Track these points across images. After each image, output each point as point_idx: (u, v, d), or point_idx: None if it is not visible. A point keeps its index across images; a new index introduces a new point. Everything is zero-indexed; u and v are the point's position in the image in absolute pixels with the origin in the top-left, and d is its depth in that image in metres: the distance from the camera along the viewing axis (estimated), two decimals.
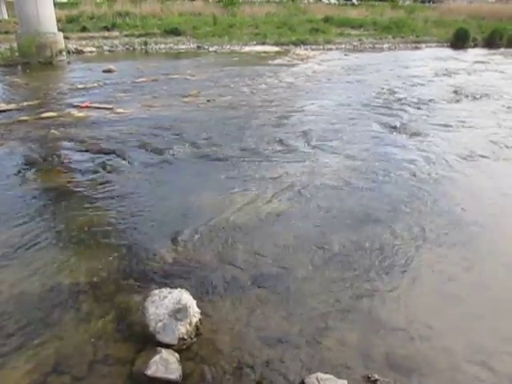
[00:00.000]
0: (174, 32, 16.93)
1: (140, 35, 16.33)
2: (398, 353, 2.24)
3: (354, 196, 4.00)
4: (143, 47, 15.05)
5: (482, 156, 5.10)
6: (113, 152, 4.91)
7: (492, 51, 16.66)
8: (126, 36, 16.36)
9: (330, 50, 16.11)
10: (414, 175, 4.48)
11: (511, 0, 28.56)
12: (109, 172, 4.41)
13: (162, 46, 15.39)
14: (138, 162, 4.67)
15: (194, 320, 2.28)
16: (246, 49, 15.50)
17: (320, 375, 1.98)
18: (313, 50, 15.73)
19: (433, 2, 30.47)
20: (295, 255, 3.06)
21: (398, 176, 4.45)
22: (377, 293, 2.68)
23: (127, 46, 14.96)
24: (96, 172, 4.40)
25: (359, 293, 2.68)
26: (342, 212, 3.70)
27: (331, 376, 1.99)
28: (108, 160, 4.69)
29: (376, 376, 2.04)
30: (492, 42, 18.18)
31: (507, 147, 5.43)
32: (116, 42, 15.25)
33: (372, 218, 3.59)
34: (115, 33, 16.81)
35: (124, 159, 4.72)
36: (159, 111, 6.76)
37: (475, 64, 12.94)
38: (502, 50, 17.24)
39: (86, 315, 2.42)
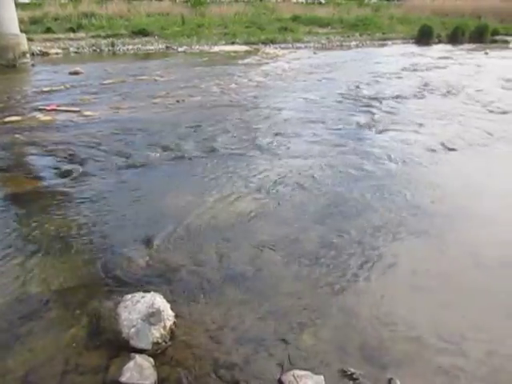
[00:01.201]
0: (142, 32, 16.68)
1: (107, 36, 16.02)
2: (372, 345, 2.27)
3: (325, 192, 4.04)
4: (110, 48, 14.77)
5: (449, 149, 5.23)
6: (81, 156, 4.80)
7: (455, 47, 17.13)
8: (92, 37, 16.01)
9: (299, 48, 16.22)
10: (383, 169, 4.57)
11: None
12: (77, 176, 4.30)
13: (130, 46, 15.15)
14: (106, 165, 4.58)
15: (169, 323, 2.25)
16: (216, 49, 15.43)
17: (296, 372, 1.99)
18: (282, 48, 15.81)
19: (397, 0, 31.06)
20: (269, 253, 3.06)
21: (367, 171, 4.52)
22: (349, 287, 2.71)
23: (94, 48, 14.66)
24: (63, 177, 4.29)
25: (332, 288, 2.70)
26: (313, 209, 3.73)
27: (307, 372, 2.00)
28: (76, 164, 4.58)
29: (352, 369, 2.06)
30: (455, 37, 18.70)
31: (472, 139, 5.58)
32: (82, 43, 14.92)
33: (343, 214, 3.64)
34: (81, 34, 16.44)
35: (92, 163, 4.62)
36: (128, 113, 6.66)
37: (440, 60, 13.27)
38: (465, 45, 17.75)
39: (55, 324, 2.35)
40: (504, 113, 7.03)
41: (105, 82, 9.02)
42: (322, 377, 1.96)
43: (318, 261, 2.98)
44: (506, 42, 19.25)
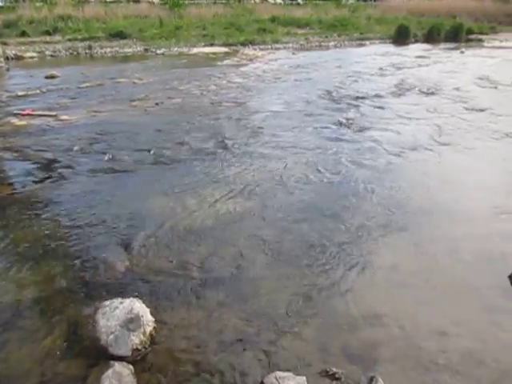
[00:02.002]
0: (120, 35, 16.48)
1: (84, 39, 15.78)
2: (354, 344, 2.27)
3: (305, 192, 4.04)
4: (88, 51, 14.57)
5: (426, 146, 5.30)
6: (57, 161, 4.71)
7: (431, 46, 17.41)
8: (69, 40, 15.75)
9: (278, 49, 16.26)
10: (362, 168, 4.60)
11: None
12: (53, 181, 4.22)
13: (108, 49, 14.96)
14: (84, 169, 4.50)
15: (148, 329, 2.21)
16: (195, 50, 15.35)
17: (278, 374, 1.98)
18: (261, 49, 15.82)
19: (374, 0, 31.42)
20: (250, 255, 3.04)
21: (346, 169, 4.55)
22: (331, 286, 2.71)
23: (71, 51, 14.43)
24: (40, 182, 4.20)
25: (313, 288, 2.70)
26: (294, 209, 3.72)
27: (290, 373, 1.98)
28: (52, 169, 4.50)
29: (334, 369, 2.05)
30: (431, 37, 19.00)
31: (450, 137, 5.67)
32: (58, 46, 14.67)
33: (323, 213, 3.65)
34: (57, 37, 16.15)
35: (69, 167, 4.54)
36: (106, 116, 6.56)
37: (417, 59, 13.45)
38: (441, 44, 18.06)
39: (32, 333, 2.29)
40: (481, 110, 7.15)
41: (82, 86, 8.88)
42: (304, 377, 1.96)
43: (299, 261, 2.97)
44: (481, 40, 19.64)
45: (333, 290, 2.69)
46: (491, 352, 2.25)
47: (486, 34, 21.42)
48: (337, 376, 2.01)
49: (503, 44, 18.35)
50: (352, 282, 2.76)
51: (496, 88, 9.08)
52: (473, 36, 20.37)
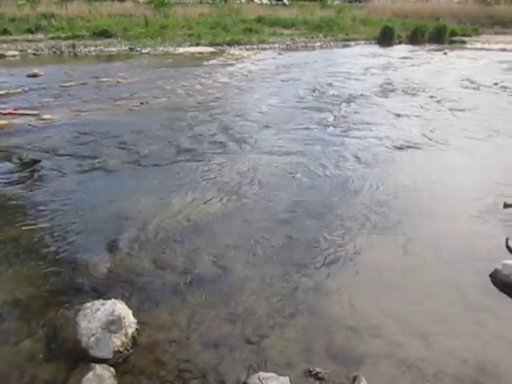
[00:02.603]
0: (104, 34, 16.32)
1: (67, 38, 15.58)
2: (339, 344, 2.27)
3: (291, 192, 4.05)
4: (71, 50, 14.38)
5: (411, 146, 5.35)
6: (39, 161, 4.64)
7: (415, 47, 17.59)
8: (51, 39, 15.54)
9: (264, 49, 16.26)
10: (347, 168, 4.62)
11: None
12: (34, 182, 4.15)
13: (92, 48, 14.79)
14: (66, 169, 4.43)
15: (130, 331, 2.18)
16: (181, 50, 15.27)
17: (262, 374, 1.97)
18: (247, 49, 15.81)
19: (359, 2, 31.67)
20: (234, 255, 3.03)
21: (331, 169, 4.56)
22: (315, 286, 2.72)
23: (54, 49, 14.23)
24: (20, 182, 4.13)
25: (298, 287, 2.70)
26: (278, 208, 3.72)
27: (273, 374, 1.97)
28: (34, 169, 4.43)
29: (317, 369, 2.05)
30: (415, 38, 19.22)
31: (433, 137, 5.73)
32: (41, 45, 14.46)
33: (308, 212, 3.65)
34: (40, 35, 15.93)
35: (51, 168, 4.47)
36: (89, 116, 6.48)
37: (401, 60, 13.59)
38: (425, 45, 18.27)
39: (11, 336, 2.24)
40: (463, 110, 7.24)
41: (65, 85, 8.76)
42: (287, 378, 1.95)
43: (284, 261, 2.97)
44: (464, 42, 19.92)
45: (317, 289, 2.69)
46: (473, 350, 2.28)
47: (469, 35, 21.74)
48: (320, 376, 2.01)
49: (485, 46, 18.63)
50: (336, 282, 2.77)
51: (478, 89, 9.21)
52: (456, 38, 20.66)
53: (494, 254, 3.09)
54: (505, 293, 2.73)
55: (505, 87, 9.31)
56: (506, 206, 3.84)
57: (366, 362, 2.16)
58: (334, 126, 6.15)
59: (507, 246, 3.21)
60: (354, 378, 2.01)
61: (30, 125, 5.95)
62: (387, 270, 2.93)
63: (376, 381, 2.04)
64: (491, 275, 2.87)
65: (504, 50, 16.98)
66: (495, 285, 2.81)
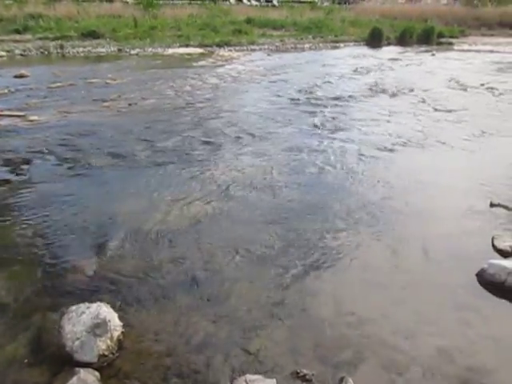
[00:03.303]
0: (93, 35, 16.18)
1: (55, 38, 15.43)
2: (326, 345, 2.27)
3: (279, 193, 4.04)
4: (59, 51, 14.24)
5: (399, 147, 5.38)
6: (25, 162, 4.58)
7: (404, 48, 17.72)
8: (39, 39, 15.37)
9: (254, 50, 16.26)
10: (335, 169, 4.63)
11: (419, 1, 30.65)
12: (20, 184, 4.10)
13: (80, 49, 14.66)
14: (53, 171, 4.39)
15: (116, 334, 2.16)
16: (170, 51, 15.20)
17: (248, 376, 1.96)
18: (237, 51, 15.79)
19: (348, 3, 31.83)
20: (222, 257, 3.01)
21: (320, 170, 4.57)
22: (303, 287, 2.71)
23: (41, 50, 14.08)
24: (5, 184, 4.07)
25: (286, 289, 2.69)
26: (267, 209, 3.72)
27: (260, 376, 1.96)
28: (20, 171, 4.37)
29: (304, 371, 2.05)
30: (404, 40, 19.37)
31: (421, 137, 5.77)
32: (29, 45, 14.30)
33: (297, 213, 3.65)
34: (27, 36, 15.75)
35: (38, 169, 4.42)
36: (77, 117, 6.41)
37: (390, 61, 13.67)
38: (413, 47, 18.41)
39: None
40: (451, 111, 7.30)
41: (53, 86, 8.67)
42: (274, 380, 1.94)
43: (271, 262, 2.96)
44: (451, 43, 20.12)
45: (305, 291, 2.69)
46: (460, 349, 2.29)
47: (456, 37, 21.97)
48: (307, 377, 2.01)
49: (472, 47, 18.83)
50: (324, 283, 2.77)
51: (465, 90, 9.29)
52: (443, 39, 20.86)
53: (480, 254, 3.11)
54: (491, 292, 2.76)
55: (491, 88, 9.41)
56: (492, 205, 3.87)
57: (354, 362, 2.16)
58: (323, 128, 6.16)
59: (493, 245, 3.23)
60: (341, 379, 2.00)
61: (16, 126, 5.87)
62: (375, 271, 2.93)
63: (363, 382, 2.03)
64: (478, 274, 2.89)
65: (490, 51, 17.18)
66: (482, 284, 2.83)
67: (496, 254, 3.13)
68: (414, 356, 2.22)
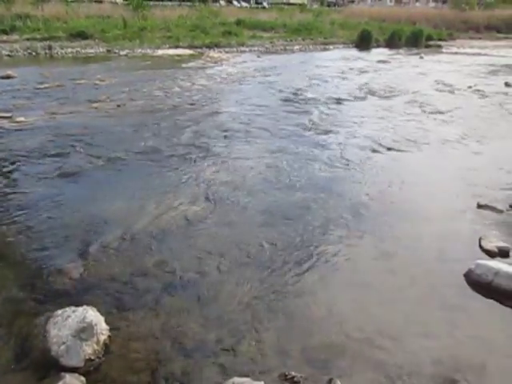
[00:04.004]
0: (81, 35, 16.06)
1: (43, 39, 15.27)
2: (314, 346, 2.26)
3: (269, 194, 4.03)
4: (47, 51, 14.12)
5: (387, 148, 5.41)
6: (11, 164, 4.52)
7: (393, 51, 17.88)
8: (27, 40, 15.20)
9: (244, 52, 16.28)
10: (324, 170, 4.64)
11: (407, 4, 30.93)
12: (5, 185, 4.04)
13: (69, 50, 14.55)
14: (39, 173, 4.33)
15: (102, 338, 2.13)
16: (159, 52, 15.16)
17: (236, 380, 1.94)
18: (226, 52, 15.79)
19: (338, 6, 32.01)
20: (211, 259, 3.00)
21: (310, 172, 4.57)
22: (292, 289, 2.71)
23: (29, 51, 13.94)
24: None
25: (275, 291, 2.68)
26: (257, 211, 3.71)
27: (247, 379, 1.95)
28: (4, 173, 4.31)
29: (292, 373, 2.04)
30: (392, 42, 19.55)
31: (409, 139, 5.80)
32: (16, 46, 14.14)
33: (285, 215, 3.64)
34: (15, 36, 15.57)
35: (23, 171, 4.36)
36: (65, 118, 6.35)
37: (379, 63, 13.77)
38: (402, 49, 18.56)
39: None
40: (439, 113, 7.37)
41: (40, 87, 8.58)
42: (262, 382, 1.93)
43: (260, 264, 2.95)
44: (439, 46, 20.35)
45: (294, 293, 2.68)
46: (448, 350, 2.30)
47: (445, 40, 22.25)
48: (295, 380, 2.00)
49: (460, 50, 19.06)
50: (313, 285, 2.76)
51: (453, 92, 9.39)
52: (432, 42, 21.09)
53: (468, 254, 3.14)
54: (478, 292, 2.77)
55: (478, 90, 9.51)
56: (479, 206, 3.90)
57: (342, 364, 2.15)
58: (312, 128, 6.18)
59: (481, 246, 3.26)
60: (330, 381, 2.00)
61: (2, 127, 5.79)
62: (363, 272, 2.94)
63: (351, 383, 2.03)
64: (465, 275, 2.91)
65: (478, 54, 17.39)
66: (469, 284, 2.85)
67: (483, 255, 3.15)
68: (402, 357, 2.23)
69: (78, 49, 14.74)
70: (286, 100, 8.08)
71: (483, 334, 2.42)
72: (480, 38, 24.12)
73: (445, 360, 2.23)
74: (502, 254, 3.16)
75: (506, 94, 9.31)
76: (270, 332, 2.34)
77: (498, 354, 2.30)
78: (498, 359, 2.27)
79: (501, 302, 2.67)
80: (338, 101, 8.10)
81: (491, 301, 2.70)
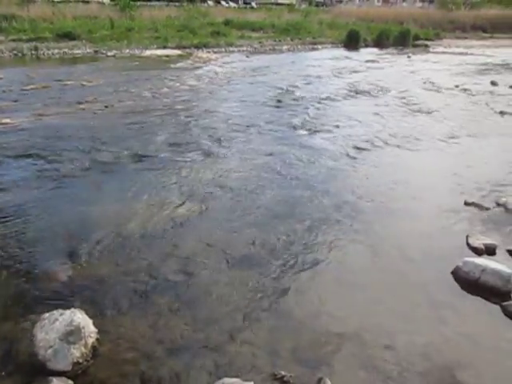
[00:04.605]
0: (68, 36, 15.91)
1: (29, 40, 15.11)
2: (304, 346, 2.27)
3: (258, 195, 4.03)
4: (34, 52, 13.96)
5: (375, 147, 5.45)
6: None
7: (381, 50, 17.99)
8: (13, 41, 15.03)
9: (232, 52, 16.25)
10: (313, 169, 4.66)
11: (394, 4, 31.18)
12: None
13: (56, 50, 14.40)
14: (26, 175, 4.29)
15: (90, 341, 2.11)
16: (147, 53, 15.07)
17: (226, 380, 1.94)
18: (215, 52, 15.74)
19: (326, 6, 32.12)
20: (201, 260, 2.99)
21: (297, 171, 4.59)
22: (281, 289, 2.71)
23: (15, 52, 13.78)
24: None
25: (264, 291, 2.68)
26: (247, 211, 3.70)
27: (237, 379, 1.95)
28: None
29: (282, 373, 2.04)
30: (380, 42, 19.66)
31: (398, 138, 5.85)
32: (1, 47, 13.96)
33: (273, 215, 3.65)
34: (0, 37, 15.40)
35: (8, 173, 4.31)
36: (52, 120, 6.29)
37: (367, 63, 13.83)
38: (390, 49, 18.69)
39: None
40: (426, 113, 7.43)
41: (26, 88, 8.48)
42: (252, 383, 1.92)
43: (250, 264, 2.95)
44: (426, 45, 20.52)
45: (283, 292, 2.68)
46: (436, 346, 2.32)
47: (432, 39, 22.43)
48: (285, 379, 2.00)
49: (447, 49, 19.24)
50: (302, 284, 2.77)
51: (440, 91, 9.47)
52: (419, 41, 21.25)
53: (455, 252, 3.17)
54: (465, 289, 2.80)
55: (465, 89, 9.61)
56: (466, 204, 3.94)
57: (331, 363, 2.16)
58: (301, 128, 6.19)
59: (468, 244, 3.29)
60: (319, 380, 2.00)
61: None
62: (352, 271, 2.95)
63: (341, 382, 2.04)
64: (453, 272, 2.94)
65: (464, 53, 17.58)
66: (457, 281, 2.88)
67: (470, 252, 3.18)
68: (391, 354, 2.24)
69: (65, 50, 14.60)
70: (275, 100, 8.08)
71: (471, 331, 2.45)
72: (466, 38, 24.38)
73: (433, 356, 2.25)
74: (489, 251, 3.20)
75: (491, 92, 9.42)
76: (259, 332, 2.34)
77: (485, 350, 2.33)
78: (485, 355, 2.29)
79: (487, 299, 2.71)
80: (327, 100, 8.13)
81: (478, 298, 2.73)
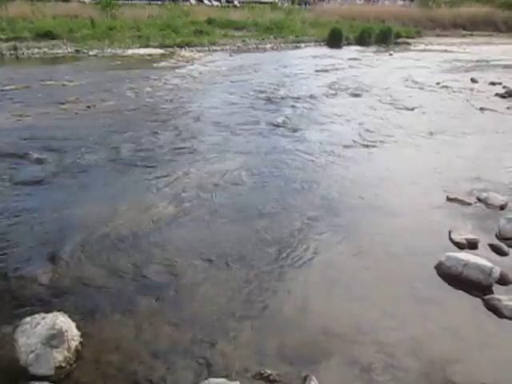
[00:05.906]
0: (48, 35, 15.66)
1: (8, 39, 14.85)
2: (290, 344, 2.27)
3: (244, 193, 4.03)
4: (13, 52, 13.71)
5: (358, 144, 5.48)
6: None
7: (363, 48, 18.11)
8: None
9: (215, 51, 16.19)
10: (297, 168, 4.66)
11: (376, 2, 31.45)
12: None
13: (36, 50, 14.16)
14: (5, 177, 4.20)
15: (74, 344, 2.08)
16: (129, 52, 14.92)
17: (212, 380, 1.93)
18: (198, 51, 15.67)
19: (308, 5, 32.22)
20: (186, 260, 2.97)
21: (281, 170, 4.59)
22: (266, 287, 2.71)
23: None
24: None
25: (250, 290, 2.68)
26: (231, 211, 3.69)
27: (223, 380, 1.94)
28: None
29: (268, 371, 2.04)
30: (362, 40, 19.78)
31: (380, 135, 5.89)
32: None
33: (259, 214, 3.64)
34: None
35: None
36: (32, 120, 6.18)
37: (350, 61, 13.91)
38: (372, 47, 18.84)
39: None
40: (408, 109, 7.51)
41: (6, 88, 8.32)
42: (237, 382, 1.92)
43: (235, 263, 2.94)
44: (408, 43, 20.74)
45: (268, 291, 2.68)
46: (421, 342, 2.34)
47: (413, 37, 22.68)
48: (271, 378, 2.00)
49: (428, 47, 19.48)
50: (287, 283, 2.77)
51: (422, 88, 9.58)
52: (401, 39, 21.47)
53: (438, 247, 3.20)
54: (449, 284, 2.84)
55: (446, 86, 9.74)
56: (448, 199, 3.99)
57: (317, 360, 2.16)
58: (284, 127, 6.19)
59: (450, 238, 3.33)
60: (305, 378, 2.01)
61: None
62: (337, 268, 2.96)
63: (327, 379, 2.05)
64: (436, 267, 2.97)
65: (445, 51, 17.81)
66: (440, 276, 2.92)
67: (453, 247, 3.22)
68: (377, 351, 2.26)
69: (46, 49, 14.37)
70: (259, 98, 8.07)
71: (455, 325, 2.48)
72: (447, 36, 24.72)
73: (419, 352, 2.27)
74: (471, 245, 3.25)
75: (471, 89, 9.55)
76: (245, 331, 2.33)
77: (469, 343, 2.36)
78: (469, 348, 2.32)
79: (470, 293, 2.75)
80: (311, 98, 8.15)
81: (461, 292, 2.77)
